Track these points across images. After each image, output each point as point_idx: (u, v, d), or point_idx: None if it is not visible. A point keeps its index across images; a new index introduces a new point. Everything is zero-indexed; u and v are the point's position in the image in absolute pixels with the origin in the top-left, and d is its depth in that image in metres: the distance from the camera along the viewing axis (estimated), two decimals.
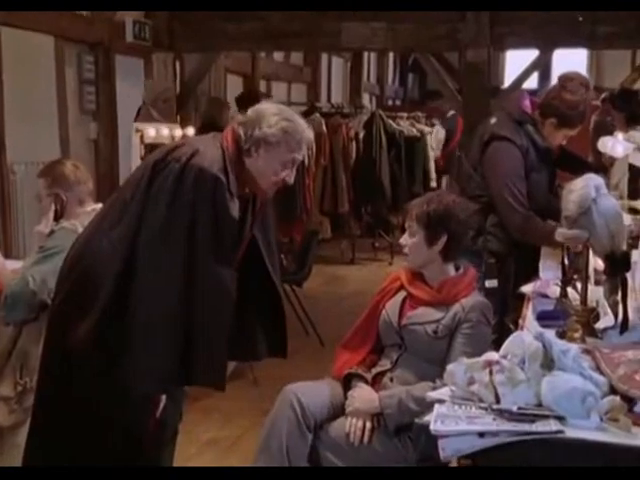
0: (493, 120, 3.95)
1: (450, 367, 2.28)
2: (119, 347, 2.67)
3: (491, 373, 2.18)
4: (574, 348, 2.22)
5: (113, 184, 6.74)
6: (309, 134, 2.88)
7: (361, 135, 9.68)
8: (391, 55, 15.50)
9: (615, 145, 3.53)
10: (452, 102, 7.47)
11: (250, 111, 2.87)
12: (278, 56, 10.73)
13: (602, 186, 2.86)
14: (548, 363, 2.18)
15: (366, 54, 13.89)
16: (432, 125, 11.04)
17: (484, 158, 3.85)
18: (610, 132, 6.88)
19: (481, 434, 2.03)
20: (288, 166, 2.85)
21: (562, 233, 2.89)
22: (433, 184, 10.20)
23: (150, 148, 5.50)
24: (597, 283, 3.18)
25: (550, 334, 2.35)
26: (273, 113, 2.82)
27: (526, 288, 3.54)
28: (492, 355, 2.26)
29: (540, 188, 3.86)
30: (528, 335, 2.26)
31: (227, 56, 8.47)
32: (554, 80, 3.93)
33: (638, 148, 3.08)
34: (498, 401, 2.14)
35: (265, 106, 2.89)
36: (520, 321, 3.17)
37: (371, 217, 10.14)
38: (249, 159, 2.82)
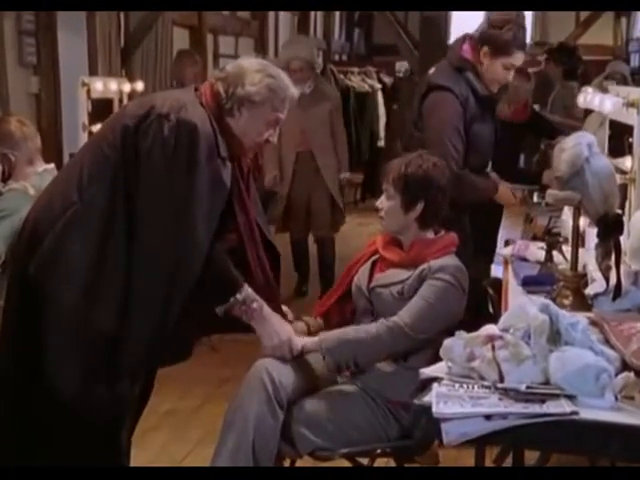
0: (432, 70, 3.70)
1: (447, 342, 2.12)
2: None
3: (493, 348, 2.02)
4: (583, 320, 2.06)
5: (56, 140, 6.45)
6: (294, 91, 2.68)
7: None
8: None
9: (603, 101, 3.37)
10: (408, 57, 7.29)
11: (230, 66, 2.66)
12: None
13: (594, 144, 2.71)
14: (554, 337, 2.03)
15: None
16: (381, 80, 10.84)
17: (422, 110, 3.60)
18: (552, 86, 6.88)
19: (488, 416, 1.87)
20: (272, 125, 2.67)
21: (553, 195, 2.73)
22: (381, 143, 10.02)
23: (97, 103, 5.21)
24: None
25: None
26: (256, 70, 2.61)
27: (504, 251, 3.40)
28: (493, 329, 2.10)
29: (483, 140, 3.60)
30: (531, 306, 2.09)
31: None
32: None
33: (626, 104, 2.93)
34: (502, 379, 1.98)
35: (246, 61, 2.69)
36: (503, 286, 3.04)
37: None
38: (231, 119, 2.61)
